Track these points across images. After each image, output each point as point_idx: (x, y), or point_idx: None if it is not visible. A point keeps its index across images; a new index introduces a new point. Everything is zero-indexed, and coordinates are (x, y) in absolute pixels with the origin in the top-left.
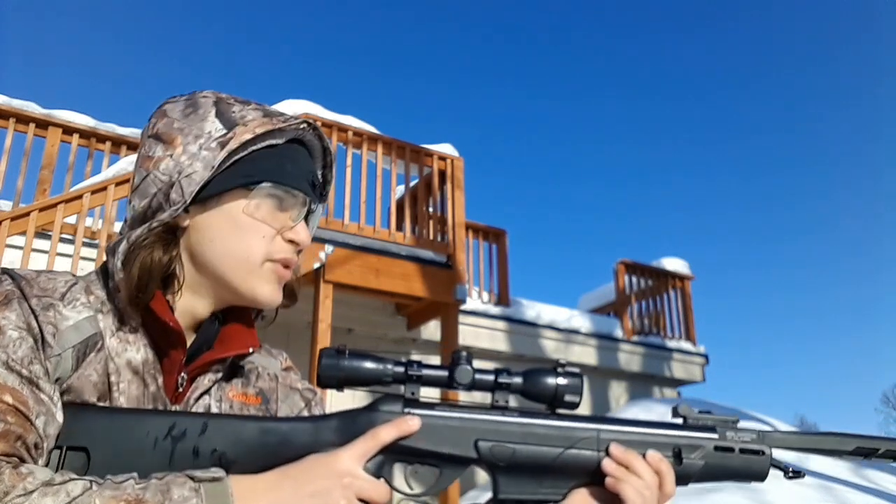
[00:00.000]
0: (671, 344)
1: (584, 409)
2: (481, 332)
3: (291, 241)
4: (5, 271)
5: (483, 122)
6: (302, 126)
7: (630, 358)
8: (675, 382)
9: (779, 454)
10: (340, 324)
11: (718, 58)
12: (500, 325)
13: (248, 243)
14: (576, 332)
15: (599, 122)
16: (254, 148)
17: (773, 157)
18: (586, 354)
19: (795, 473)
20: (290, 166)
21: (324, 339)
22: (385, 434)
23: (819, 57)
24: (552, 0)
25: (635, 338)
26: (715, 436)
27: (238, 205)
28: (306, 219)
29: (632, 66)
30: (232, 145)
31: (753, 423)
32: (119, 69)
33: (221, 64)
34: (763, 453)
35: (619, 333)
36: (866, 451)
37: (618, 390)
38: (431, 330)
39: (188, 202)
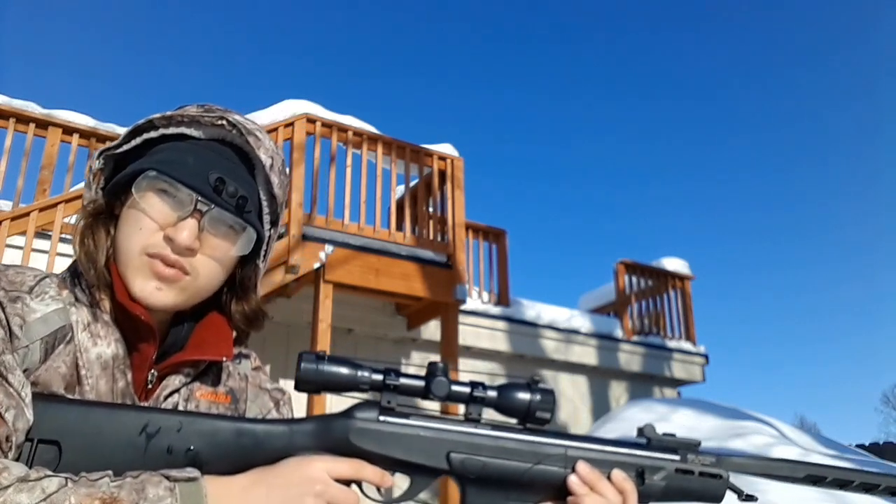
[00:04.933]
0: (671, 344)
1: (585, 409)
2: (481, 332)
3: (170, 240)
4: None
5: (483, 122)
6: (219, 122)
7: (630, 358)
8: (675, 382)
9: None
10: (340, 324)
11: (719, 57)
12: (500, 325)
13: (129, 233)
14: (576, 332)
15: (599, 122)
16: (166, 132)
17: (774, 157)
18: (586, 354)
19: (749, 497)
20: (191, 161)
21: (324, 339)
22: (368, 474)
23: (820, 56)
24: (552, 0)
25: (635, 338)
26: (677, 458)
27: (134, 195)
28: (215, 224)
29: (632, 66)
30: (139, 122)
31: (754, 424)
32: (119, 69)
33: (222, 64)
34: (721, 477)
35: (619, 333)
36: (842, 483)
37: (618, 390)
38: (431, 330)
39: (102, 166)
